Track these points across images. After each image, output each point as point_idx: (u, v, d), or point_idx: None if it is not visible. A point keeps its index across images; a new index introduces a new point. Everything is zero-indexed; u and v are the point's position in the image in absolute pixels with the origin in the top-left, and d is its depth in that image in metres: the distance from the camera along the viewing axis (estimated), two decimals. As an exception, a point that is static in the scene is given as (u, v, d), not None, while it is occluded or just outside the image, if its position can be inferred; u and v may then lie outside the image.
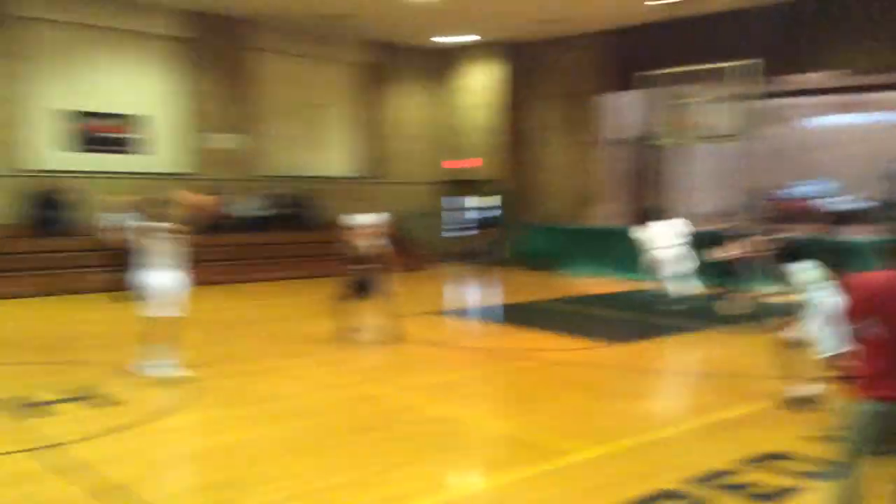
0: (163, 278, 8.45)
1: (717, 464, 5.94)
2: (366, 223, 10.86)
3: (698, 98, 16.15)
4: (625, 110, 20.79)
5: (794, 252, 7.20)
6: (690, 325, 12.02)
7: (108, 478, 5.54)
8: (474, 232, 15.47)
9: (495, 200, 21.03)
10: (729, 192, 23.85)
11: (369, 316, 10.79)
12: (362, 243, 10.72)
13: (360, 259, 10.64)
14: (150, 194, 10.20)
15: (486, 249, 16.73)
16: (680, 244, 13.09)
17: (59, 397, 7.69)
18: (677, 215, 13.81)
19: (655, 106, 16.26)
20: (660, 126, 16.16)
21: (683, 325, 11.98)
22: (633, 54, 18.68)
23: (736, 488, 5.50)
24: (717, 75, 15.65)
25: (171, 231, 8.48)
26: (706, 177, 23.65)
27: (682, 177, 22.63)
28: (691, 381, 9.03)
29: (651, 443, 6.50)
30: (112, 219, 13.97)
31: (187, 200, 8.78)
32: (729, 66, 15.00)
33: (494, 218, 20.87)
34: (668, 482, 5.55)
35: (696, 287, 13.16)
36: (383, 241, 10.88)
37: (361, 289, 10.61)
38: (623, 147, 20.68)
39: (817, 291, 6.82)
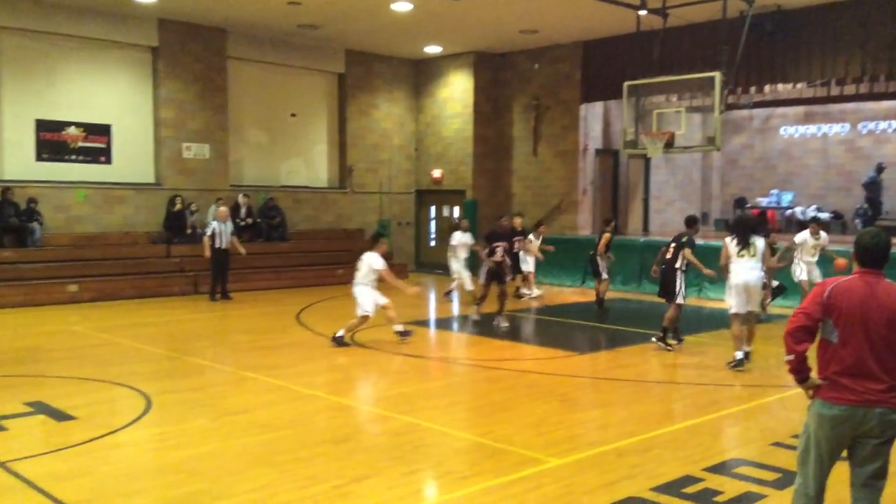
0: None
1: (680, 471, 5.95)
2: None
3: (674, 108, 16.19)
4: (601, 120, 20.87)
5: None
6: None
7: (59, 497, 5.38)
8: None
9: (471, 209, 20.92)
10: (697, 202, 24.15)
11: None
12: None
13: None
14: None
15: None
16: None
17: (10, 413, 7.49)
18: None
19: (631, 116, 16.26)
20: (635, 136, 16.15)
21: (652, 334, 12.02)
22: (609, 65, 18.79)
23: (696, 496, 5.49)
24: (691, 86, 15.74)
25: None
26: (677, 187, 23.86)
27: (654, 186, 22.77)
28: (656, 389, 9.01)
29: (617, 451, 6.47)
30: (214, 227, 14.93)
31: None
32: (698, 78, 15.08)
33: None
34: (635, 490, 5.55)
35: None
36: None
37: None
38: (598, 157, 20.73)
39: None
